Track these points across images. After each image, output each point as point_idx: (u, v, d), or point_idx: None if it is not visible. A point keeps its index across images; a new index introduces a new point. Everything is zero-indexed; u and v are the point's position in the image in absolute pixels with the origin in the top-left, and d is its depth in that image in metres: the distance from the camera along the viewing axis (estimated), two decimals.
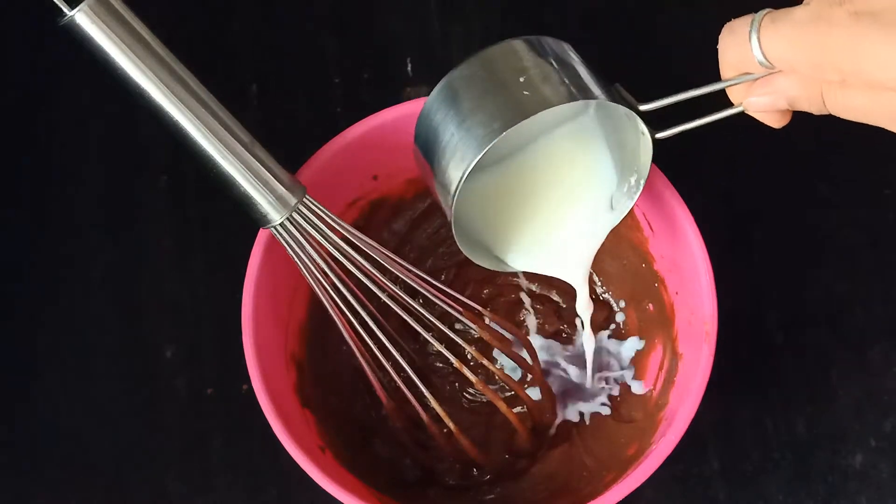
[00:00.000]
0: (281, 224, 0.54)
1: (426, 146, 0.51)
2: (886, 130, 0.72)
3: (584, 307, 0.59)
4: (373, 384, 0.59)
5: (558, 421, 0.63)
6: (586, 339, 0.61)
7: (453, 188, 0.50)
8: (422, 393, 0.58)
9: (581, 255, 0.58)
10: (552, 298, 0.66)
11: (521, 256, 0.58)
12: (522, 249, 0.58)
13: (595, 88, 0.49)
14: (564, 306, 0.66)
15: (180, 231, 0.70)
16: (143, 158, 0.71)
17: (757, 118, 0.49)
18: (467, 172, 0.49)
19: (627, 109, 0.50)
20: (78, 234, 0.70)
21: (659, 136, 0.51)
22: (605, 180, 0.56)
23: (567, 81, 0.49)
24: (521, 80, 0.49)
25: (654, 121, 0.50)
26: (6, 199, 0.71)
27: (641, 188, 0.54)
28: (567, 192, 0.57)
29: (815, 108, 0.46)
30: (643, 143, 0.52)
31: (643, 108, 0.50)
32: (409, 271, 0.57)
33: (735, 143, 0.71)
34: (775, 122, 0.49)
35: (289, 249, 0.55)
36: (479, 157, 0.48)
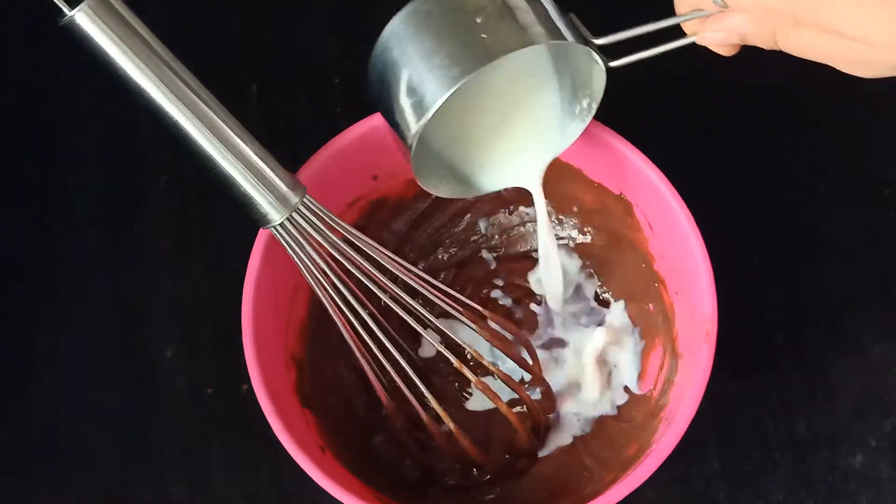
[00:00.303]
0: (281, 224, 0.54)
1: (382, 80, 0.51)
2: (885, 129, 0.72)
3: (541, 211, 0.59)
4: (373, 384, 0.59)
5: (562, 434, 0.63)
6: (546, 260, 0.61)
7: (411, 133, 0.50)
8: (422, 393, 0.58)
9: (534, 171, 0.58)
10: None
11: (477, 177, 0.59)
12: (478, 170, 0.59)
13: (553, 25, 0.50)
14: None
15: (180, 231, 0.70)
16: (143, 158, 0.71)
17: (709, 48, 0.50)
18: (426, 120, 0.49)
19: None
20: (78, 234, 0.70)
21: (612, 64, 0.51)
22: (555, 102, 0.57)
23: (525, 21, 0.49)
24: (479, 20, 0.49)
25: (611, 51, 0.51)
26: (6, 199, 0.71)
27: (594, 111, 0.55)
28: (519, 114, 0.58)
29: (766, 45, 0.47)
30: (596, 70, 0.52)
31: (598, 41, 0.50)
32: (409, 271, 0.57)
33: (735, 142, 0.71)
34: (726, 52, 0.50)
35: (289, 249, 0.55)
36: (438, 105, 0.49)
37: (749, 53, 0.75)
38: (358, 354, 0.57)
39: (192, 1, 0.75)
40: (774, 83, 0.73)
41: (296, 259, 0.55)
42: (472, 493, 0.62)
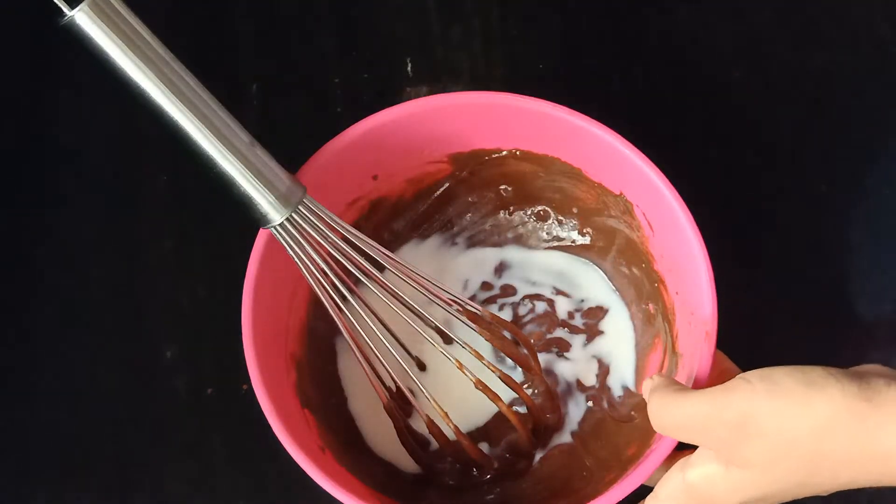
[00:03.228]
0: (281, 224, 0.54)
1: None
2: (886, 130, 0.72)
3: None
4: (372, 384, 0.59)
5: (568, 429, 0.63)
6: None
7: None
8: (422, 392, 0.58)
9: None
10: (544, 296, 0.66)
11: None
12: None
13: None
14: (559, 307, 0.66)
15: (180, 231, 0.70)
16: (143, 158, 0.71)
17: None
18: None
19: None
20: (78, 234, 0.70)
21: None
22: None
23: None
24: None
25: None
26: (6, 199, 0.71)
27: None
28: None
29: None
30: None
31: None
32: (409, 271, 0.57)
33: (735, 142, 0.71)
34: None
35: (289, 249, 0.55)
36: None
37: (748, 53, 0.75)
38: (358, 354, 0.57)
39: (192, 1, 0.75)
40: (774, 83, 0.73)
41: (296, 259, 0.55)
42: (472, 493, 0.62)
